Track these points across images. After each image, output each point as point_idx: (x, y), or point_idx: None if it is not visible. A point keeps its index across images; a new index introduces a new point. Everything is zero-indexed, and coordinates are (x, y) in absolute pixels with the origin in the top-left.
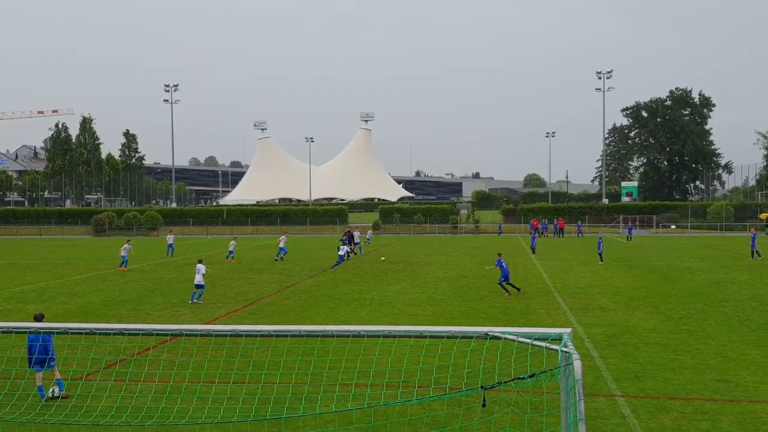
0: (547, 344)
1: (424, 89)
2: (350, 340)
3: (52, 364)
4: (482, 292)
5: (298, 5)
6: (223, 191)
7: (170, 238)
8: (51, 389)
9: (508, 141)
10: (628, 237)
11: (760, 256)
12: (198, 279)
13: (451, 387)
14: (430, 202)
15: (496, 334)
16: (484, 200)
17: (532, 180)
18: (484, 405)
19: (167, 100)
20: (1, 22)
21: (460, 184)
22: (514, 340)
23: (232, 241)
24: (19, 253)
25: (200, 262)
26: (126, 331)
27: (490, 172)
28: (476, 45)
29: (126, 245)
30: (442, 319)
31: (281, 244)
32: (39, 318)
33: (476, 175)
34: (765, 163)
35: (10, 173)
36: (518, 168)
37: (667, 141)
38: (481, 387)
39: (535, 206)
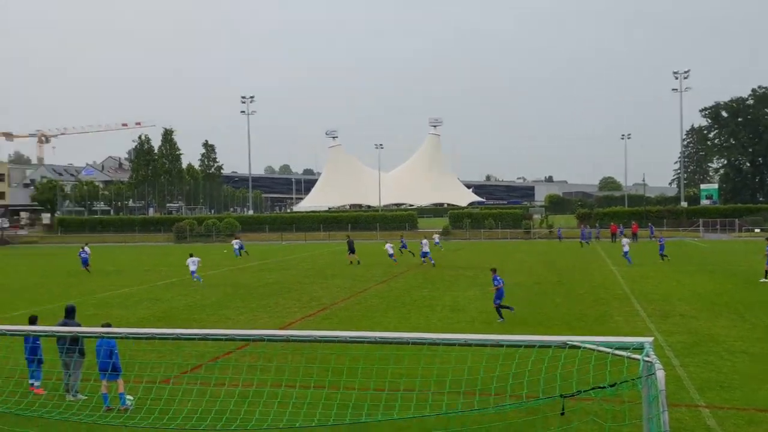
0: (629, 353)
1: (493, 92)
2: (425, 348)
3: (115, 374)
4: (557, 299)
5: (371, 12)
6: (296, 198)
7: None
8: (118, 406)
9: (582, 144)
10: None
11: None
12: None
13: (528, 395)
14: (502, 207)
15: (575, 343)
16: (557, 204)
17: (608, 183)
18: (562, 413)
19: (244, 112)
20: (97, 43)
21: (532, 188)
22: (593, 350)
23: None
24: (105, 260)
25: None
26: (210, 337)
27: (564, 175)
28: (548, 46)
29: None
30: (517, 327)
31: (236, 246)
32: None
33: (549, 179)
34: None
35: (97, 183)
36: (593, 171)
37: (749, 141)
38: (561, 395)
39: (610, 210)
